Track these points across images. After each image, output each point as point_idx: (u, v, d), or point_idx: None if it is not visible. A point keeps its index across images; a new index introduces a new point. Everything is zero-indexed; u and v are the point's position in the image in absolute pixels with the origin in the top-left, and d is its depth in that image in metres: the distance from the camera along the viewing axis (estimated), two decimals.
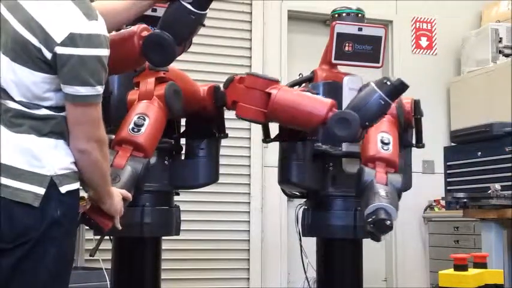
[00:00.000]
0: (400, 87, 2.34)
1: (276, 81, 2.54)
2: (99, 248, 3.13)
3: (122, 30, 2.25)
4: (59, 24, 1.65)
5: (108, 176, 1.84)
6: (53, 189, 1.67)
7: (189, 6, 2.07)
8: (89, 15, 1.68)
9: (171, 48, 2.11)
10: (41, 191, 1.65)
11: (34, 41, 1.65)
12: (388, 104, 2.35)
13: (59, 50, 1.64)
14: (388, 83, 2.33)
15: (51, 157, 1.68)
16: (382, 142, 2.54)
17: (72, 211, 1.74)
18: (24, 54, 1.66)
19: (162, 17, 2.15)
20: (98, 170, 1.78)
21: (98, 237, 2.16)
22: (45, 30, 1.64)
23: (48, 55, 1.65)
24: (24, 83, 1.67)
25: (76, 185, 1.74)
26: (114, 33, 2.29)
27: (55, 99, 1.70)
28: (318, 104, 2.47)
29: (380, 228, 2.30)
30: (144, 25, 2.21)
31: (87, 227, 2.03)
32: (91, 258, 3.79)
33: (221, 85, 2.75)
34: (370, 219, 2.30)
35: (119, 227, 1.98)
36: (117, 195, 1.95)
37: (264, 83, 2.50)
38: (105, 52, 1.70)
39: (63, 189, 1.69)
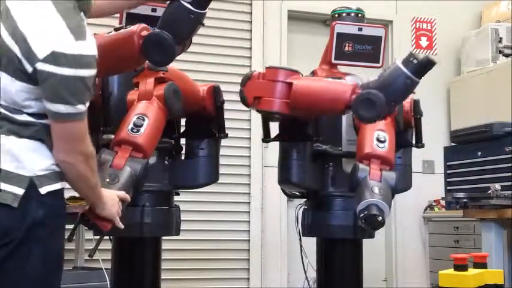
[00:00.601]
0: (428, 64, 2.29)
1: (297, 72, 2.54)
2: (99, 248, 3.13)
3: (122, 30, 2.25)
4: (43, 39, 1.60)
5: (96, 187, 1.83)
6: (32, 190, 1.66)
7: (188, 6, 2.07)
8: (77, 33, 1.63)
9: (170, 47, 2.11)
10: (20, 191, 1.64)
11: (17, 51, 1.62)
12: (415, 82, 2.31)
13: (40, 66, 1.60)
14: (415, 61, 2.28)
15: (31, 158, 1.67)
16: (378, 140, 2.53)
17: (55, 211, 1.72)
18: (7, 62, 1.63)
19: (162, 16, 2.15)
20: (83, 182, 1.77)
21: (98, 237, 2.16)
22: (28, 44, 1.60)
23: (29, 68, 1.61)
24: (6, 88, 1.65)
25: (58, 185, 1.72)
26: (113, 33, 2.29)
27: (36, 108, 1.68)
28: (341, 87, 2.46)
29: (371, 224, 2.30)
30: (144, 25, 2.21)
31: (86, 228, 2.03)
32: (91, 258, 3.81)
33: (221, 85, 2.75)
34: (362, 215, 2.30)
35: (121, 226, 1.98)
36: (112, 199, 1.94)
37: (285, 74, 2.50)
38: (90, 72, 1.65)
39: (44, 190, 1.68)
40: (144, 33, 2.16)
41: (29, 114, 1.68)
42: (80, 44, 1.62)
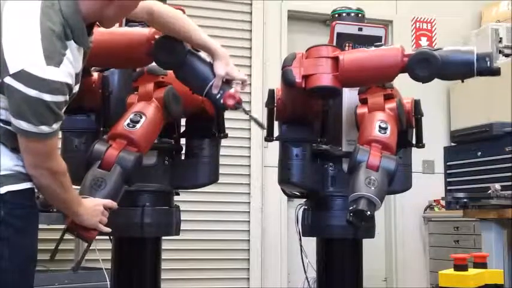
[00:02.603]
0: (494, 74, 2.40)
1: (338, 48, 2.53)
2: (99, 248, 3.13)
3: (135, 29, 2.30)
4: (17, 56, 1.63)
5: (68, 202, 1.85)
6: None
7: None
8: (50, 58, 1.64)
9: (180, 50, 2.18)
10: None
11: None
12: (473, 74, 2.40)
13: (8, 80, 1.62)
14: (488, 63, 2.37)
15: None
16: (380, 127, 2.52)
17: (19, 210, 1.73)
18: None
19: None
20: (52, 196, 1.81)
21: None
22: (4, 56, 1.63)
23: None
24: None
25: (23, 185, 1.74)
26: (126, 28, 2.35)
27: (4, 115, 1.70)
28: (389, 52, 2.46)
29: (359, 218, 2.29)
30: (155, 30, 2.27)
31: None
32: (91, 258, 3.80)
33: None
34: (351, 208, 2.29)
35: (107, 230, 2.00)
36: (95, 209, 1.95)
37: (329, 49, 2.48)
38: (55, 98, 1.66)
39: (3, 189, 1.69)
40: (156, 36, 2.22)
41: None
42: (51, 69, 1.64)
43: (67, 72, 1.68)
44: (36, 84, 1.62)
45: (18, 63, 1.62)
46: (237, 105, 2.21)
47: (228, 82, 2.21)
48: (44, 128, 1.67)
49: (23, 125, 1.65)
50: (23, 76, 1.61)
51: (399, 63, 2.41)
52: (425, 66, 2.37)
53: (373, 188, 2.31)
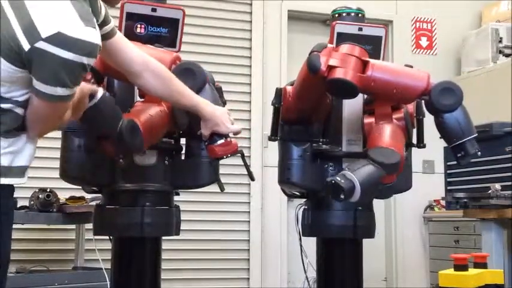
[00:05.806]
0: (462, 160, 2.58)
1: (368, 54, 2.56)
2: (99, 248, 3.13)
3: (159, 51, 2.39)
4: (50, 19, 1.55)
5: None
6: None
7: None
8: (87, 20, 1.59)
9: (201, 74, 2.32)
10: None
11: (16, 27, 1.55)
12: (449, 144, 2.59)
13: (40, 44, 1.53)
14: (459, 154, 2.57)
15: None
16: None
17: None
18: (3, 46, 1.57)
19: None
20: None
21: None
22: (32, 21, 1.54)
23: (26, 46, 1.54)
24: None
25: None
26: (151, 49, 2.38)
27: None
28: (417, 75, 2.51)
29: (334, 190, 2.33)
30: (178, 54, 2.44)
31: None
32: (91, 258, 3.80)
33: (222, 85, 2.75)
34: (339, 179, 2.32)
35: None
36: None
37: (361, 52, 2.50)
38: (91, 61, 1.61)
39: None
40: (177, 62, 2.35)
41: None
42: (89, 30, 1.58)
43: (99, 35, 1.63)
44: (74, 47, 1.54)
45: (53, 26, 1.53)
46: (220, 158, 2.36)
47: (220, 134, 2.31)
48: (75, 89, 1.65)
49: (59, 91, 1.59)
50: (59, 39, 1.53)
51: (424, 85, 2.47)
52: (449, 95, 2.46)
53: (367, 183, 2.34)
